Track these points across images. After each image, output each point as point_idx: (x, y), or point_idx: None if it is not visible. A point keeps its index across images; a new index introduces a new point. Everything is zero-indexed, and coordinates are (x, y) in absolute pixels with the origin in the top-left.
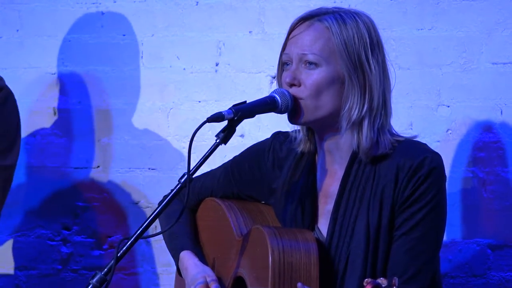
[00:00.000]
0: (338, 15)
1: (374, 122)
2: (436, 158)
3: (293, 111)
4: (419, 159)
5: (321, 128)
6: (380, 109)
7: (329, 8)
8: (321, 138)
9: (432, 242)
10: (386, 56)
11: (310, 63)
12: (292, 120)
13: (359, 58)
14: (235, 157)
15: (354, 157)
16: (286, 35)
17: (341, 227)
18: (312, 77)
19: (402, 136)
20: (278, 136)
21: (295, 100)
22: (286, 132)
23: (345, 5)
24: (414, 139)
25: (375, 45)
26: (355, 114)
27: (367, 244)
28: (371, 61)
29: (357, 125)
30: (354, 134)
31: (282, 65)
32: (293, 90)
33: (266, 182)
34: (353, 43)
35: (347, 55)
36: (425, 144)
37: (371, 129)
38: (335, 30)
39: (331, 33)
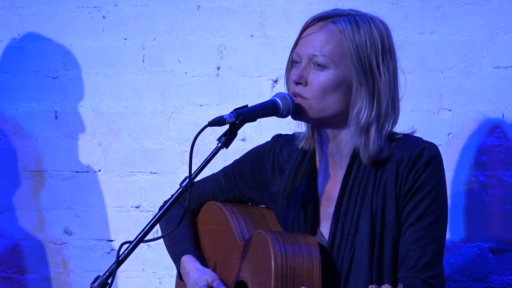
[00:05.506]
0: (353, 19)
1: (382, 128)
2: (433, 148)
3: (297, 110)
4: (417, 150)
5: (323, 129)
6: (389, 116)
7: (344, 11)
8: (322, 141)
9: (439, 230)
10: (398, 63)
11: (319, 64)
12: (295, 116)
13: (370, 64)
14: (235, 160)
15: (354, 158)
16: (299, 33)
17: (343, 227)
18: (319, 78)
19: (399, 134)
20: (279, 139)
21: (298, 99)
22: (287, 135)
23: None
24: (410, 134)
25: (387, 52)
26: (363, 118)
27: (372, 241)
28: (381, 68)
29: (364, 130)
30: (361, 138)
31: (292, 62)
32: (299, 89)
33: (266, 184)
34: (365, 49)
35: (357, 60)
36: (421, 138)
37: (378, 135)
38: (347, 34)
39: (344, 36)
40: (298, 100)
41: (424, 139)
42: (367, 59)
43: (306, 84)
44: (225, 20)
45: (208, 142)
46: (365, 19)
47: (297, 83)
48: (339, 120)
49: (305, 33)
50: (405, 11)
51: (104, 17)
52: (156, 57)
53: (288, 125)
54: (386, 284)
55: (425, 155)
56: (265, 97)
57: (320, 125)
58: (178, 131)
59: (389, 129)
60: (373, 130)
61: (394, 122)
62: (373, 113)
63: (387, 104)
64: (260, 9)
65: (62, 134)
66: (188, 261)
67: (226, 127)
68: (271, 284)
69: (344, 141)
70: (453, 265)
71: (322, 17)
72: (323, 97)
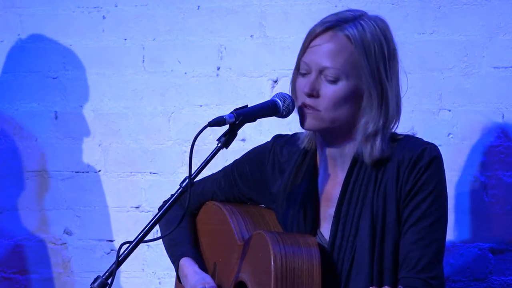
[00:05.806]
0: (359, 24)
1: (387, 132)
2: (434, 149)
3: (308, 121)
4: (418, 151)
5: (330, 136)
6: (394, 119)
7: (347, 15)
8: (326, 145)
9: (440, 230)
10: (400, 63)
11: (331, 76)
12: (305, 127)
13: (378, 70)
14: (235, 160)
15: (356, 159)
16: (305, 40)
17: (344, 228)
18: (331, 91)
19: (400, 134)
20: (279, 139)
21: (310, 110)
22: (287, 135)
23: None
24: (411, 135)
25: (392, 54)
26: (370, 127)
27: (373, 241)
28: (388, 72)
29: (371, 136)
30: (367, 145)
31: (298, 70)
32: (310, 101)
33: (266, 184)
34: (373, 55)
35: (367, 68)
36: (422, 139)
37: (383, 139)
38: (357, 43)
39: (353, 45)
40: (310, 111)
41: (424, 139)
42: (376, 65)
43: (318, 96)
44: (225, 20)
45: (208, 142)
46: (369, 22)
47: (309, 95)
48: (347, 128)
49: (313, 43)
50: (405, 11)
51: (104, 17)
52: (156, 57)
53: (288, 125)
54: (386, 286)
55: (426, 156)
56: (265, 97)
57: (328, 133)
58: (178, 131)
59: (391, 130)
60: (379, 136)
61: (397, 123)
62: (381, 121)
63: (393, 108)
64: (260, 9)
65: (62, 135)
66: (187, 264)
67: (226, 127)
68: (271, 285)
69: (348, 146)
70: (453, 265)
71: (330, 26)
72: (336, 109)
